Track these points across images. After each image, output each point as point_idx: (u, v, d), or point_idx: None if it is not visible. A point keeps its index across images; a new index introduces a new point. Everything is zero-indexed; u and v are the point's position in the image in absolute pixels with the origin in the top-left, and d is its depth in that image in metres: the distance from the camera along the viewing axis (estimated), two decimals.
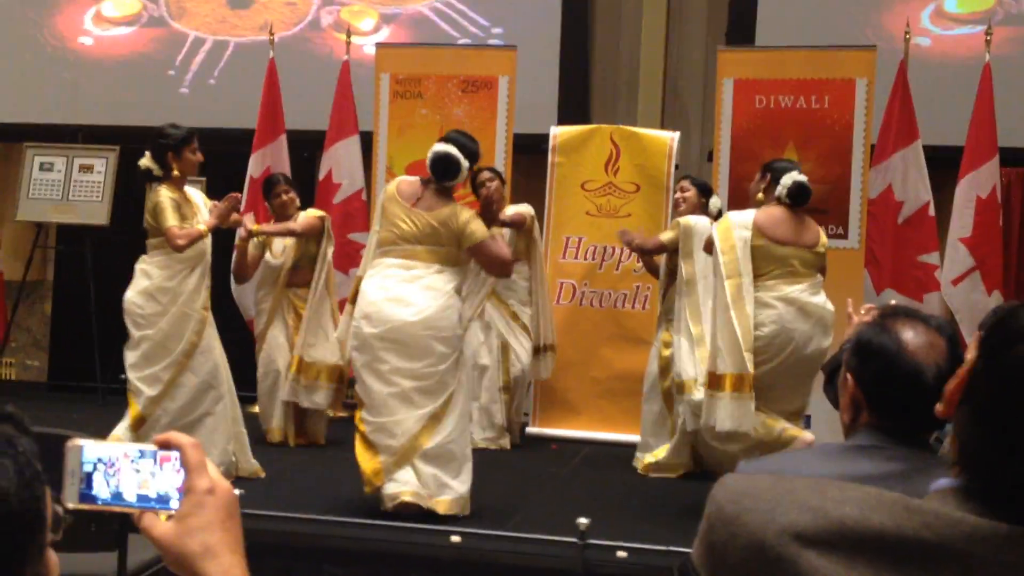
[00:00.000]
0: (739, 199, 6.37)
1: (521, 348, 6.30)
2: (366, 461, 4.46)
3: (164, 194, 4.96)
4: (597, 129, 6.91)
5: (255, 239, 6.12)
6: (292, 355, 5.98)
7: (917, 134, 6.36)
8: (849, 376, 1.88)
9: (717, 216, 5.42)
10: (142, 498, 1.09)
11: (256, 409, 6.16)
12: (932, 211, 6.35)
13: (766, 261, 4.62)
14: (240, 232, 5.98)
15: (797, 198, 4.74)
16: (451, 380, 4.49)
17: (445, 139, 4.74)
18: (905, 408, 1.80)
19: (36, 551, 0.95)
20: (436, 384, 4.46)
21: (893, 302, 3.33)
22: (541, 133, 6.97)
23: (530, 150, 7.07)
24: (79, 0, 8.41)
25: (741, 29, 7.38)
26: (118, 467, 1.09)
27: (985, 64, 6.39)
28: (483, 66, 6.91)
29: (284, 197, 6.16)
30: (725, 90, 6.43)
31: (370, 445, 4.47)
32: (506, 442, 6.31)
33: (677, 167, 6.82)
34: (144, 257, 5.08)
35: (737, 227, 4.64)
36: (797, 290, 4.63)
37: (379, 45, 7.28)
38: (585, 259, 6.75)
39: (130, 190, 7.49)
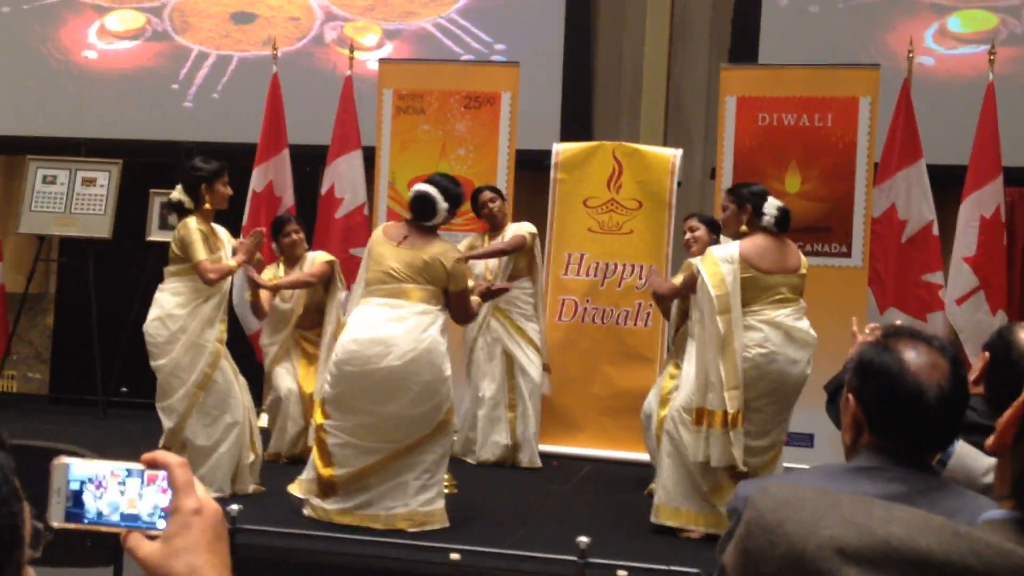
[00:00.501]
0: None
1: (529, 363, 6.22)
2: (321, 467, 4.55)
3: (193, 226, 5.04)
4: (599, 146, 6.91)
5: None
6: (303, 395, 5.98)
7: (920, 153, 6.35)
8: (851, 396, 1.86)
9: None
10: (128, 517, 1.07)
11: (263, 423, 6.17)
12: (936, 230, 6.32)
13: (756, 292, 4.60)
14: (248, 280, 5.92)
15: (783, 224, 4.72)
16: (428, 420, 4.54)
17: (428, 180, 4.84)
18: (906, 429, 1.77)
19: (12, 569, 0.93)
20: (410, 424, 4.53)
21: (899, 322, 3.30)
22: (544, 149, 6.97)
23: (533, 166, 7.07)
24: (84, 14, 8.45)
25: (744, 47, 7.39)
26: (105, 486, 1.07)
27: (989, 83, 6.39)
28: (485, 82, 6.91)
29: (294, 237, 6.16)
30: (728, 107, 6.43)
31: (328, 455, 4.55)
32: (509, 459, 6.23)
33: (680, 184, 6.82)
34: (161, 285, 5.16)
35: (723, 262, 4.59)
36: (783, 315, 4.62)
37: (382, 60, 7.29)
38: (587, 276, 6.74)
39: (133, 203, 7.54)
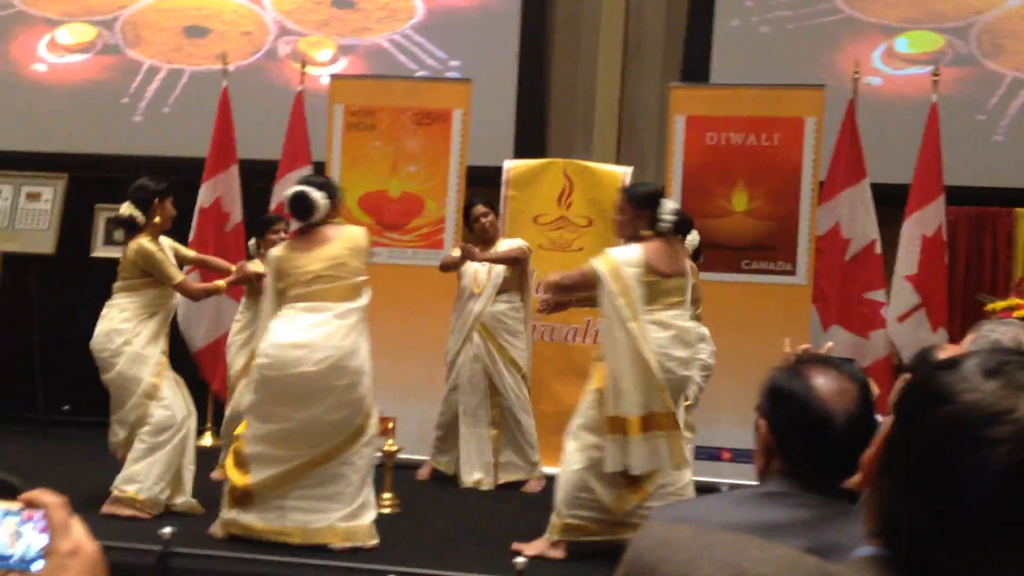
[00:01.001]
0: None
1: (504, 385, 6.16)
2: (237, 478, 4.55)
3: (152, 248, 5.21)
4: (550, 163, 6.93)
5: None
6: None
7: (864, 173, 6.43)
8: (762, 421, 1.87)
9: (694, 255, 5.26)
10: (3, 558, 1.05)
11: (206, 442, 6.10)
12: (879, 249, 6.40)
13: (656, 295, 4.58)
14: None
15: (680, 227, 4.73)
16: (344, 426, 4.56)
17: (297, 183, 4.93)
18: (815, 454, 1.79)
19: None
20: (326, 430, 4.54)
21: (830, 344, 3.33)
22: (496, 166, 6.98)
23: (486, 183, 7.06)
24: (34, 27, 8.36)
25: (697, 66, 7.45)
26: None
27: (932, 104, 6.48)
28: (437, 99, 6.91)
29: (283, 235, 6.11)
30: (677, 126, 6.48)
31: (244, 464, 4.55)
32: (490, 482, 6.14)
33: None
34: (109, 301, 5.25)
35: (626, 266, 4.55)
36: (672, 316, 4.61)
37: (333, 76, 7.27)
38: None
39: (78, 219, 7.44)
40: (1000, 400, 0.94)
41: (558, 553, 4.58)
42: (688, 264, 4.80)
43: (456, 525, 5.28)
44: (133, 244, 5.18)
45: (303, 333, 4.53)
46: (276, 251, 4.85)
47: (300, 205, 4.75)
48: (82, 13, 8.35)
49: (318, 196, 4.73)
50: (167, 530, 3.96)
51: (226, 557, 4.31)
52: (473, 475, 6.14)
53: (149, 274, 5.16)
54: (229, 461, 4.65)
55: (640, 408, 4.46)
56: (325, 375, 4.49)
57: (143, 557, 4.19)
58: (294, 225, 4.97)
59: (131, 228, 5.24)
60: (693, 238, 5.33)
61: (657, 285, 4.58)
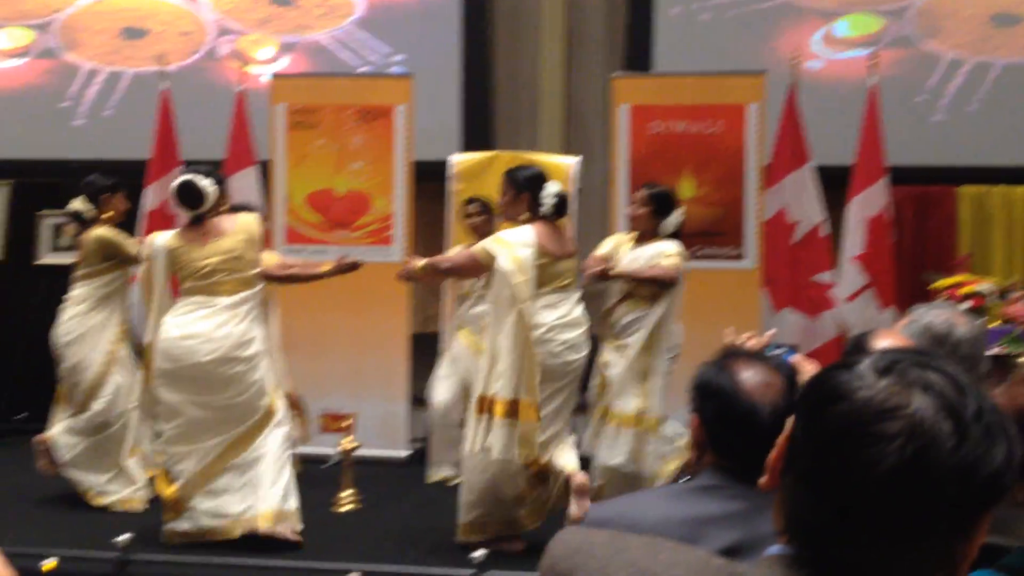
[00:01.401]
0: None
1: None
2: (165, 489, 4.62)
3: (109, 232, 5.39)
4: (496, 156, 6.92)
5: None
6: None
7: (807, 157, 6.50)
8: (693, 416, 1.89)
9: (672, 235, 5.20)
10: None
11: None
12: (824, 231, 6.48)
13: (547, 277, 4.58)
14: None
15: (561, 210, 4.75)
16: (247, 411, 4.61)
17: (181, 173, 4.97)
18: (743, 447, 1.81)
19: None
20: (231, 415, 4.60)
21: (772, 331, 3.36)
22: (444, 160, 6.96)
23: (434, 177, 7.04)
24: None
25: (639, 55, 7.48)
26: None
27: (871, 88, 6.55)
28: (379, 95, 6.88)
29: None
30: (621, 116, 6.50)
31: (167, 473, 4.63)
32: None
33: (581, 191, 6.86)
34: (67, 294, 5.42)
35: (519, 247, 4.52)
36: (560, 298, 4.62)
37: (274, 75, 7.20)
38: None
39: (21, 226, 7.33)
40: (892, 397, 0.96)
41: (517, 546, 4.60)
42: (573, 246, 4.81)
43: (417, 521, 5.27)
44: (91, 234, 5.34)
45: (193, 325, 4.57)
46: (166, 242, 4.77)
47: (189, 195, 4.73)
48: (17, 17, 8.20)
49: (206, 184, 4.72)
50: (125, 536, 3.93)
51: (185, 563, 4.28)
52: (442, 471, 6.13)
53: (110, 258, 5.32)
54: (157, 482, 4.73)
55: (510, 392, 4.41)
56: (217, 364, 4.54)
57: (100, 566, 4.16)
58: (182, 217, 4.93)
59: (81, 223, 5.41)
60: (677, 218, 5.26)
61: (548, 267, 4.59)
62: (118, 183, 5.52)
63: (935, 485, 0.93)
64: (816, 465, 0.98)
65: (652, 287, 5.00)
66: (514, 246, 4.52)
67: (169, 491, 4.60)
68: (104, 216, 5.44)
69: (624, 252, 5.19)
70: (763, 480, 1.10)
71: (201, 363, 4.53)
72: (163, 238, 4.81)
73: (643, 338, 4.96)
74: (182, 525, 4.60)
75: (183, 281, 4.69)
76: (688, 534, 1.64)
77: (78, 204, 5.42)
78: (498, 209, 4.91)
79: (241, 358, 4.58)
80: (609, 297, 5.23)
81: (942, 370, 0.98)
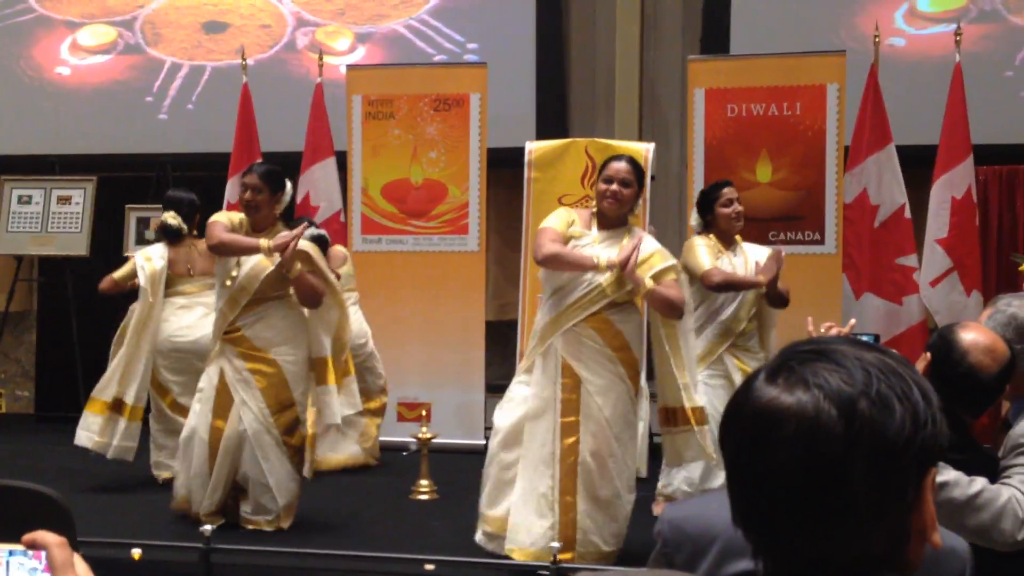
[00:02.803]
0: None
1: None
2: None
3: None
4: (572, 143, 6.88)
5: None
6: None
7: (890, 137, 6.34)
8: None
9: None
10: None
11: None
12: (908, 213, 6.32)
13: None
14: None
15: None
16: None
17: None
18: None
19: None
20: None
21: (852, 321, 3.29)
22: (520, 147, 6.95)
23: (510, 164, 7.05)
24: (56, 31, 8.43)
25: (716, 37, 7.37)
26: None
27: (956, 65, 6.37)
28: (454, 84, 6.90)
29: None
30: (697, 100, 6.43)
31: None
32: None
33: (654, 178, 6.79)
34: (194, 298, 5.78)
35: None
36: None
37: (349, 67, 7.28)
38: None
39: (109, 219, 7.54)
40: (774, 400, 1.02)
41: None
42: None
43: None
44: (200, 245, 5.61)
45: None
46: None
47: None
48: (101, 14, 8.41)
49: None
50: (207, 528, 4.03)
51: (266, 551, 4.37)
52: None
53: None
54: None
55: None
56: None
57: (185, 554, 4.26)
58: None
59: (173, 237, 5.74)
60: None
61: None
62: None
63: (837, 467, 0.98)
64: (736, 470, 1.05)
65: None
66: None
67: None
68: (194, 233, 5.76)
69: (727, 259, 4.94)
70: None
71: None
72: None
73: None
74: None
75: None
76: None
77: (173, 219, 5.75)
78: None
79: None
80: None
81: (830, 359, 1.03)
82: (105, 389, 5.55)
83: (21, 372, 8.54)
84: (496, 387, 7.00)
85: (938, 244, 6.24)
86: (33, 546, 1.08)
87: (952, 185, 6.23)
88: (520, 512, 4.21)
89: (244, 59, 7.41)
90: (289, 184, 4.90)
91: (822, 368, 1.02)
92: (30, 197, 7.65)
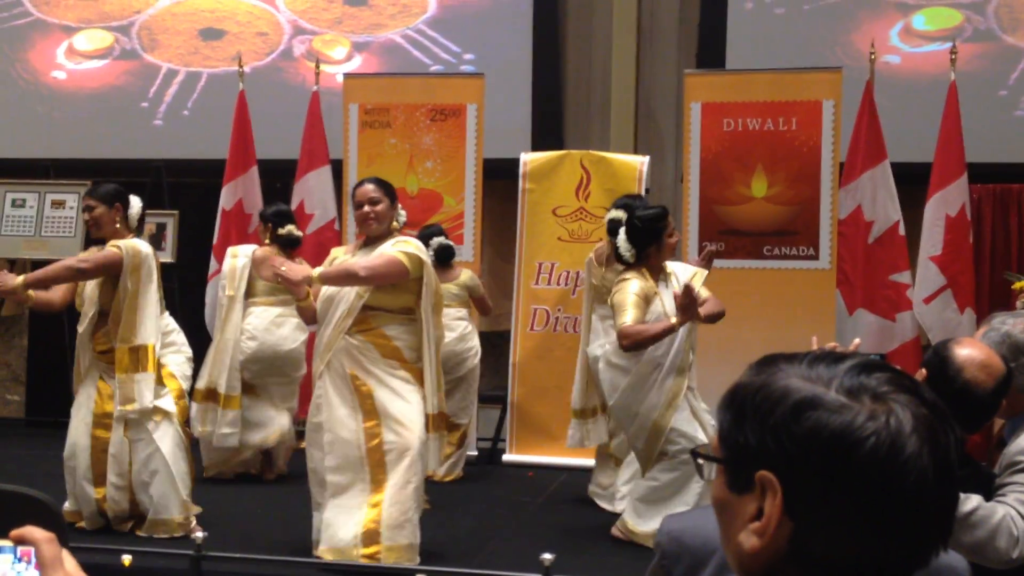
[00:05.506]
0: (709, 222, 6.39)
1: None
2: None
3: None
4: (567, 155, 6.92)
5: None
6: None
7: (885, 154, 6.37)
8: None
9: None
10: None
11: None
12: (902, 230, 6.35)
13: None
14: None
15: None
16: None
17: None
18: None
19: None
20: None
21: (857, 340, 3.29)
22: (515, 159, 6.97)
23: (505, 175, 7.07)
24: (52, 35, 8.42)
25: (712, 51, 7.40)
26: None
27: (951, 83, 6.40)
28: (451, 94, 6.92)
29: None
30: (693, 114, 6.45)
31: None
32: None
33: (648, 191, 6.82)
34: (284, 309, 5.97)
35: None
36: None
37: (347, 75, 7.28)
38: (558, 285, 6.75)
39: None
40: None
41: None
42: None
43: (484, 520, 5.30)
44: (259, 252, 5.90)
45: None
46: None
47: None
48: (98, 19, 8.40)
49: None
50: (199, 535, 4.01)
51: (257, 559, 4.35)
52: None
53: None
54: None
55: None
56: None
57: (175, 562, 4.24)
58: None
59: (296, 245, 6.17)
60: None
61: None
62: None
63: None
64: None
65: None
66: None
67: None
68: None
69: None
70: None
71: None
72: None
73: None
74: None
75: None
76: None
77: (296, 230, 6.13)
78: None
79: None
80: None
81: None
82: (200, 380, 5.88)
83: (12, 376, 8.51)
84: (488, 398, 7.01)
85: (932, 261, 6.26)
86: (21, 541, 1.07)
87: (946, 203, 6.25)
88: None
89: (241, 66, 7.41)
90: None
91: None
92: (24, 201, 7.63)
